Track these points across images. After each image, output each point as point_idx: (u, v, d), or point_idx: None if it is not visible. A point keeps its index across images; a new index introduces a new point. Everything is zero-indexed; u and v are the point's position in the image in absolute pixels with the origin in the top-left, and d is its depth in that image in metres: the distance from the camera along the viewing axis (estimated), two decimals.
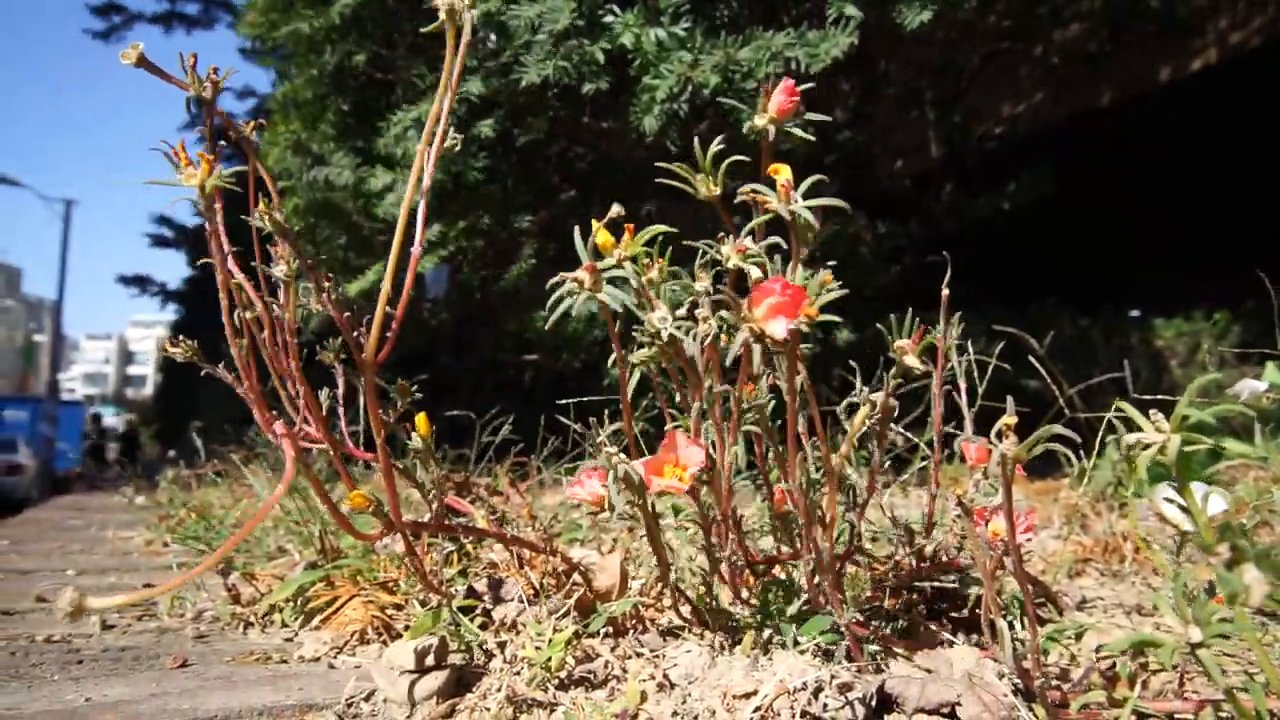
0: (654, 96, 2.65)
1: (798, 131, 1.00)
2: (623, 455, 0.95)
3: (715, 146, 1.04)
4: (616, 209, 1.03)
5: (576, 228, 1.02)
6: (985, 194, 3.96)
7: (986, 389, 1.74)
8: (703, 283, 0.98)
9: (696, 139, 1.04)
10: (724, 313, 0.87)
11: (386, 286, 1.01)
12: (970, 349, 1.68)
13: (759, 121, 1.00)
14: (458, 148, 1.15)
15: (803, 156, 3.03)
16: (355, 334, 1.04)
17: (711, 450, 1.05)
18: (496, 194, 3.55)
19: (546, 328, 1.00)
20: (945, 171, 4.21)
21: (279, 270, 1.06)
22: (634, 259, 1.05)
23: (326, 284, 1.03)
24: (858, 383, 1.13)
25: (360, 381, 1.07)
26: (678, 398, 1.20)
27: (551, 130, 3.57)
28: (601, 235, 1.04)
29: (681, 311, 1.01)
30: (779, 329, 0.79)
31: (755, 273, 1.00)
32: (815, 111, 1.01)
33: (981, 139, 4.28)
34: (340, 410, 1.81)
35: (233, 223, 1.11)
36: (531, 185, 3.66)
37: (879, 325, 1.11)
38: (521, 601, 1.33)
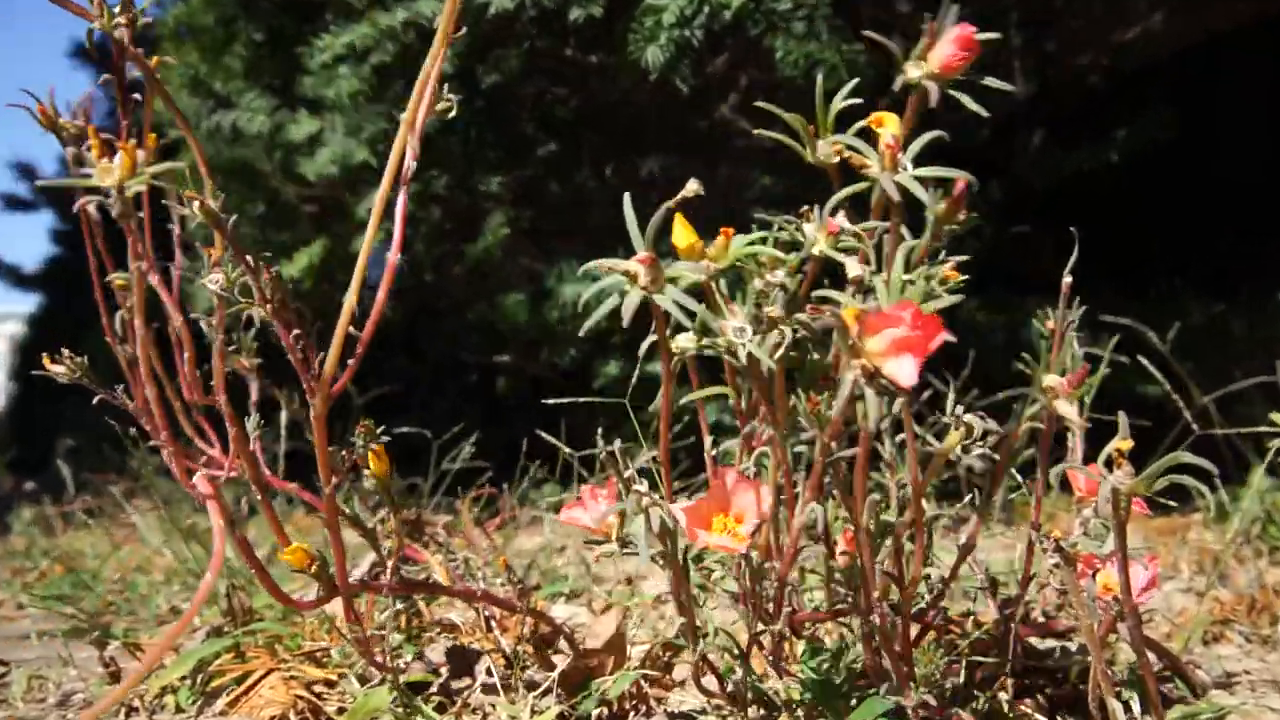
0: (660, 20, 2.64)
1: (966, 101, 0.96)
2: (654, 495, 0.93)
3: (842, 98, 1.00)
4: (694, 186, 0.97)
5: (627, 195, 0.96)
6: (1087, 144, 3.94)
7: (1095, 398, 1.73)
8: (778, 272, 0.93)
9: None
10: (801, 316, 0.84)
11: (351, 300, 1.01)
12: (1073, 344, 1.67)
13: (913, 74, 0.97)
14: (453, 110, 1.14)
15: (852, 99, 3.00)
16: (310, 353, 1.03)
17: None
18: (456, 148, 3.53)
19: (582, 333, 0.95)
20: (1035, 116, 4.19)
21: (212, 282, 1.06)
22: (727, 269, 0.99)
23: (268, 276, 1.03)
24: (951, 399, 1.12)
25: (306, 414, 1.07)
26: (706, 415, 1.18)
27: (526, 67, 3.56)
28: (684, 234, 0.99)
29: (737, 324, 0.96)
30: (905, 373, 0.76)
31: (854, 269, 0.97)
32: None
33: (1083, 73, 4.26)
34: (251, 421, 1.80)
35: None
36: (501, 137, 3.65)
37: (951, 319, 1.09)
38: (490, 675, 1.32)
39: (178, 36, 4.14)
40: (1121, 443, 0.89)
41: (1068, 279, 1.19)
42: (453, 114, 1.17)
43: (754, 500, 0.98)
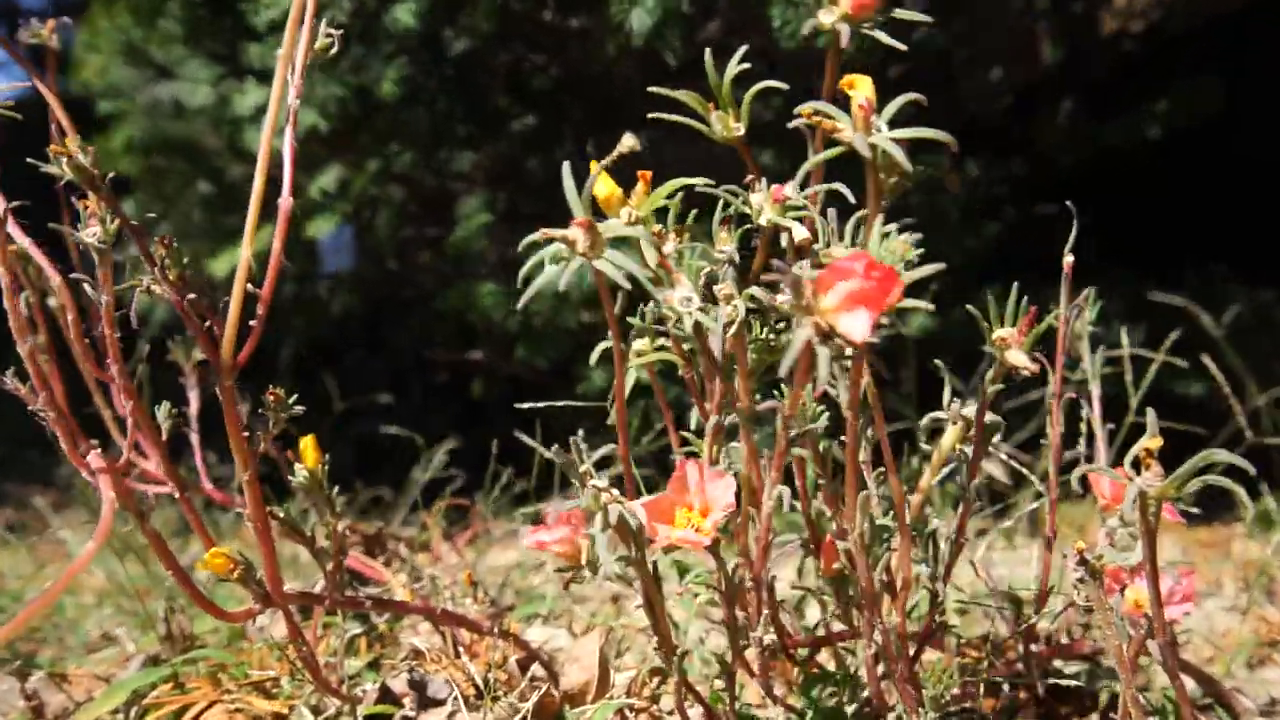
0: None
1: (883, 38, 0.98)
2: (614, 492, 0.93)
3: (736, 65, 1.02)
4: (630, 141, 1.00)
5: (566, 164, 0.98)
6: (1121, 116, 3.95)
7: (1127, 397, 1.74)
8: (726, 247, 0.96)
9: (709, 52, 1.03)
10: (756, 291, 0.85)
11: (245, 254, 1.01)
12: (1104, 337, 1.68)
13: (825, 19, 0.98)
14: (334, 47, 1.15)
15: (861, 68, 3.00)
16: (206, 324, 1.03)
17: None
18: (422, 121, 3.52)
19: (519, 305, 0.97)
20: (1063, 85, 4.19)
21: (89, 234, 1.05)
22: (648, 217, 1.02)
23: (164, 251, 1.02)
24: (947, 391, 1.12)
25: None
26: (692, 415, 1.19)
27: (500, 31, 3.55)
28: (604, 184, 1.02)
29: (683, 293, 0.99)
30: (859, 327, 0.76)
31: (800, 232, 0.99)
32: None
33: (1116, 36, 4.27)
34: (195, 435, 1.80)
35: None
36: (473, 109, 3.64)
37: (969, 307, 1.10)
38: (458, 705, 1.32)
39: None
40: (1150, 442, 0.89)
41: (1069, 259, 1.20)
42: (334, 50, 1.17)
43: (719, 491, 0.98)
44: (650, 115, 1.03)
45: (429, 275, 4.29)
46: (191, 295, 1.05)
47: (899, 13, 0.98)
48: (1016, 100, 3.99)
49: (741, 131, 1.04)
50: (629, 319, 1.14)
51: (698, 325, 0.99)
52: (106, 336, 1.11)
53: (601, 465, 1.02)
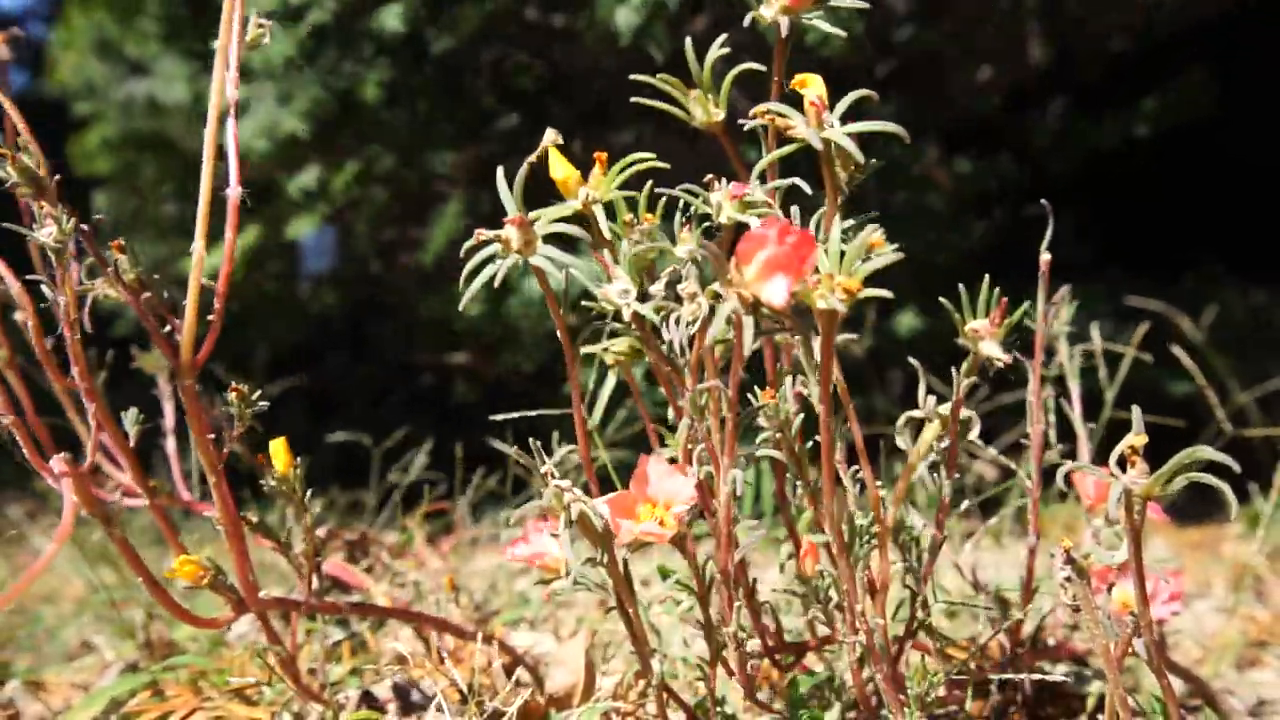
0: None
1: (821, 25, 1.00)
2: (578, 491, 0.95)
3: (717, 50, 1.04)
4: (552, 135, 1.03)
5: (500, 169, 1.02)
6: (1111, 115, 3.99)
7: (1118, 395, 1.75)
8: (686, 244, 0.98)
9: (690, 41, 1.05)
10: (718, 287, 0.87)
11: (199, 246, 1.02)
12: (1096, 338, 1.69)
13: (765, 13, 1.01)
14: (266, 37, 1.17)
15: (847, 65, 3.03)
16: (166, 327, 1.04)
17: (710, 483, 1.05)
18: (404, 121, 3.53)
19: (461, 307, 1.00)
20: (1053, 84, 4.22)
21: (44, 234, 1.06)
22: (609, 209, 1.04)
23: (120, 254, 1.03)
24: (922, 387, 1.13)
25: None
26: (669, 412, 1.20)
27: (484, 30, 3.56)
28: (560, 166, 1.04)
29: (659, 287, 1.01)
30: (777, 293, 0.79)
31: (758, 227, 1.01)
32: None
33: (1106, 36, 4.30)
34: (172, 443, 1.80)
35: None
36: (456, 109, 3.65)
37: (942, 300, 1.11)
38: (442, 711, 1.33)
39: None
40: (1135, 439, 0.90)
41: (1045, 256, 1.21)
42: (266, 40, 1.19)
43: (680, 486, 1.00)
44: (634, 100, 1.04)
45: (411, 278, 4.30)
46: (147, 295, 1.06)
47: (838, 1, 1.00)
48: (1006, 99, 4.02)
49: (721, 117, 1.05)
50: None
51: (638, 319, 1.01)
52: (66, 338, 1.12)
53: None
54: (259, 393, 1.21)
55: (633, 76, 1.06)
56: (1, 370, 1.47)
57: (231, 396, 1.19)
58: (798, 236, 0.80)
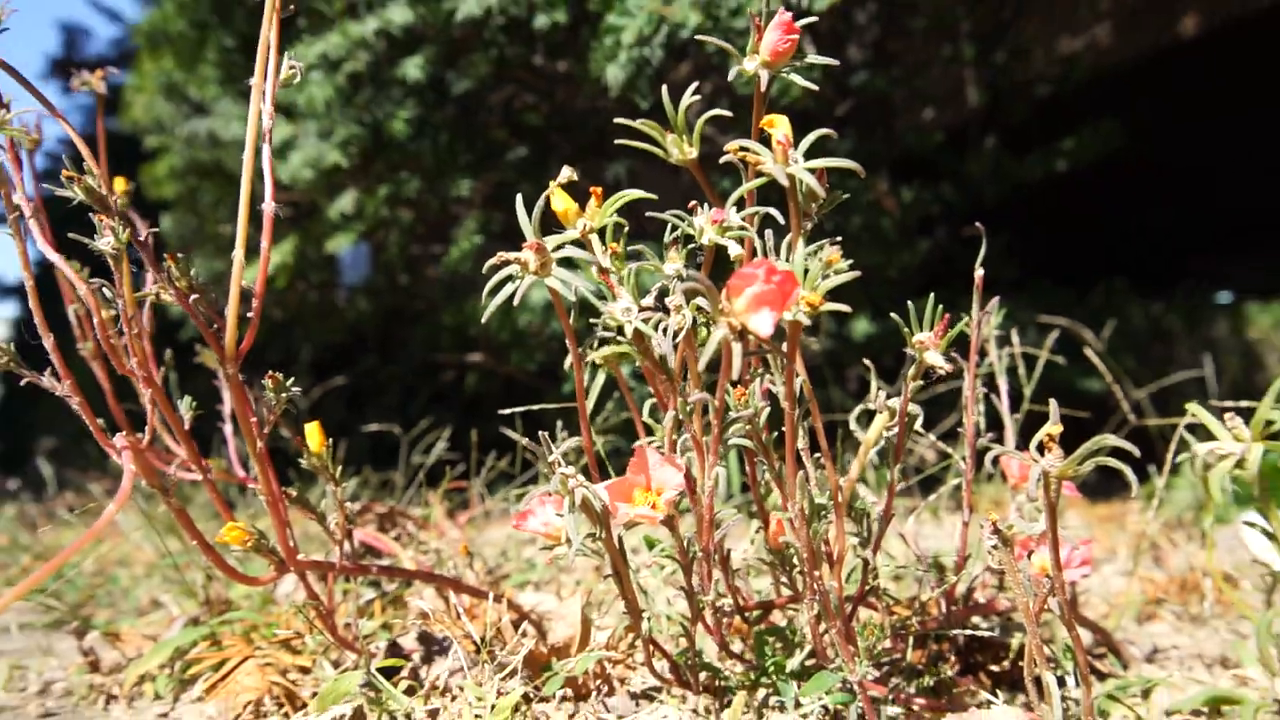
0: (619, 40, 2.59)
1: (798, 80, 1.01)
2: (581, 477, 0.96)
3: (690, 96, 1.05)
4: (568, 173, 1.04)
5: (520, 196, 1.03)
6: (1036, 152, 4.01)
7: (1037, 392, 1.77)
8: (673, 264, 0.99)
9: (665, 89, 1.06)
10: (700, 301, 0.88)
11: (239, 254, 1.02)
12: (1016, 341, 1.71)
13: (748, 66, 1.02)
14: (298, 78, 1.18)
15: (809, 107, 3.04)
16: (213, 325, 1.05)
17: (693, 470, 1.06)
18: (427, 152, 3.54)
19: (484, 320, 1.01)
20: (986, 124, 4.25)
21: (103, 243, 1.06)
22: (602, 233, 1.06)
23: (172, 262, 1.04)
24: (873, 385, 1.14)
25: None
26: (647, 406, 1.21)
27: (495, 73, 3.57)
28: (560, 200, 1.06)
29: (649, 300, 1.02)
30: (764, 324, 0.80)
31: (735, 250, 1.03)
32: (823, 49, 1.03)
33: (1031, 83, 4.33)
34: (229, 428, 1.80)
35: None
36: (472, 142, 3.66)
37: (893, 315, 1.13)
38: (458, 659, 1.33)
39: (153, 43, 4.10)
40: (1052, 428, 0.91)
41: (979, 271, 1.22)
42: (296, 80, 1.20)
43: (670, 475, 1.00)
44: (619, 143, 1.06)
45: (434, 288, 4.30)
46: (195, 297, 1.07)
47: (812, 58, 1.01)
48: (947, 136, 4.04)
49: (694, 155, 1.06)
50: (592, 323, 1.17)
51: (638, 332, 1.02)
52: (127, 334, 1.13)
53: (575, 451, 1.06)
54: (304, 389, 1.21)
55: (617, 120, 1.07)
56: (88, 360, 1.48)
57: (268, 383, 1.19)
58: (782, 276, 0.80)
